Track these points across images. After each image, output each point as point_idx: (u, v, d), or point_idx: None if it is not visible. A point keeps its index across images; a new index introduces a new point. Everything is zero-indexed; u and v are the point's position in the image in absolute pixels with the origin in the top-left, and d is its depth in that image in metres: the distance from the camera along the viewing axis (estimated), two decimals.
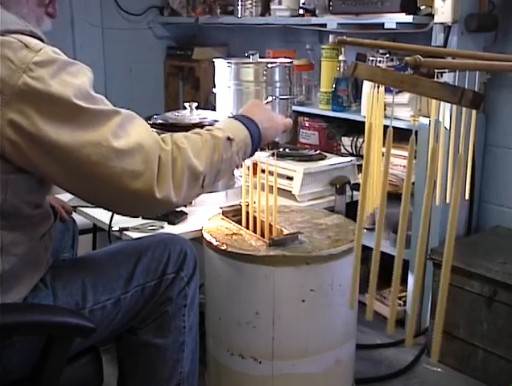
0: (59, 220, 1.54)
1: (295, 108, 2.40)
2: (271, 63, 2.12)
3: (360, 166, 1.96)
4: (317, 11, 2.58)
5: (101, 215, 1.67)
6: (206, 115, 1.86)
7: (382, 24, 2.24)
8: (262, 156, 1.62)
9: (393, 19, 2.21)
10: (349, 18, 2.40)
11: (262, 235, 1.59)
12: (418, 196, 2.16)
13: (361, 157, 1.20)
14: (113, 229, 1.61)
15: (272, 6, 2.80)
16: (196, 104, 1.86)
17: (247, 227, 1.65)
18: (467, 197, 1.36)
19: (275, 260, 1.49)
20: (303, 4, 2.62)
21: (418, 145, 2.13)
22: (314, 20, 2.58)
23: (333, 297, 1.55)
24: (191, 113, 1.85)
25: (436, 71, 1.18)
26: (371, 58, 2.34)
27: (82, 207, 1.72)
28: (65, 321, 1.14)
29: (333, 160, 2.03)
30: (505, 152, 2.28)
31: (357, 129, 2.47)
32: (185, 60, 3.45)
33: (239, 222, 1.68)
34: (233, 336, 1.59)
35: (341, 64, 2.51)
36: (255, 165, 1.57)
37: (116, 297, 1.29)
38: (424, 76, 0.89)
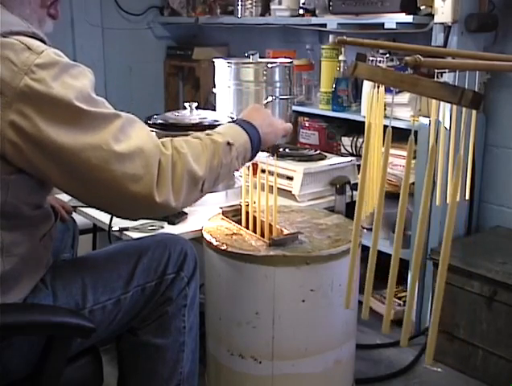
0: (59, 220, 1.54)
1: (295, 108, 2.40)
2: (271, 63, 2.12)
3: (360, 166, 1.96)
4: (317, 11, 2.58)
5: (101, 215, 1.67)
6: (206, 115, 1.86)
7: (382, 24, 2.24)
8: (262, 156, 1.62)
9: (393, 19, 2.21)
10: (349, 18, 2.40)
11: (262, 235, 1.59)
12: (417, 196, 2.16)
13: (361, 157, 1.20)
14: (113, 229, 1.61)
15: (272, 6, 2.80)
16: (196, 104, 1.86)
17: (247, 227, 1.65)
18: (467, 197, 1.36)
19: (275, 260, 1.49)
20: (303, 4, 2.62)
21: (418, 145, 2.13)
22: (314, 20, 2.57)
23: (333, 297, 1.55)
24: (191, 113, 1.85)
25: (436, 71, 1.18)
26: (371, 58, 2.34)
27: (82, 207, 1.72)
28: (65, 321, 1.14)
29: (333, 160, 2.03)
30: (505, 152, 2.28)
31: (357, 129, 2.47)
32: (185, 60, 3.45)
33: (239, 222, 1.68)
34: (233, 336, 1.59)
35: (341, 64, 2.51)
36: (255, 165, 1.57)
37: (116, 298, 1.29)
38: (424, 76, 0.89)
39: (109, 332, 1.33)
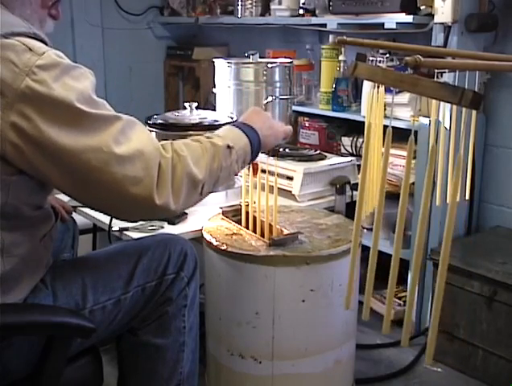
0: (59, 221, 1.54)
1: (295, 108, 2.40)
2: (271, 63, 2.12)
3: (360, 166, 1.96)
4: (317, 11, 2.58)
5: (101, 215, 1.66)
6: (206, 115, 1.86)
7: (382, 24, 2.24)
8: (262, 156, 1.62)
9: (393, 19, 2.20)
10: (349, 18, 2.40)
11: (262, 235, 1.59)
12: (418, 196, 2.16)
13: (361, 157, 1.20)
14: (113, 229, 1.61)
15: (272, 6, 2.80)
16: (196, 104, 1.86)
17: (247, 227, 1.65)
18: (467, 197, 1.36)
19: (275, 260, 1.49)
20: (303, 4, 2.62)
21: (418, 145, 2.13)
22: (314, 20, 2.57)
23: (333, 297, 1.55)
24: (191, 113, 1.85)
25: (436, 71, 1.18)
26: (371, 58, 2.34)
27: (82, 207, 1.72)
28: (65, 321, 1.14)
29: (333, 160, 2.03)
30: (505, 152, 2.28)
31: (357, 129, 2.47)
32: (185, 60, 3.45)
33: (239, 222, 1.68)
34: (233, 336, 1.59)
35: (341, 64, 2.51)
36: (255, 165, 1.57)
37: (116, 298, 1.29)
38: (424, 76, 0.89)
39: (109, 332, 1.33)
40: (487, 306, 1.97)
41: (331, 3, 2.45)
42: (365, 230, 2.21)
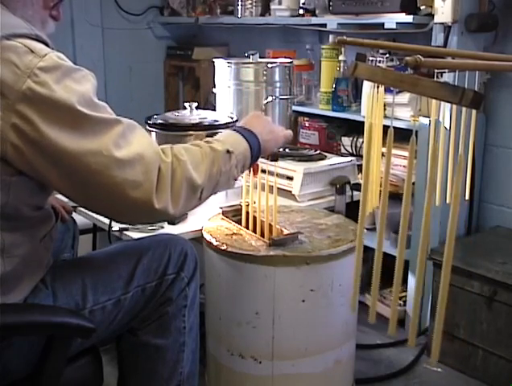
0: (59, 221, 1.54)
1: (295, 108, 2.40)
2: (271, 63, 2.12)
3: (360, 166, 1.96)
4: (317, 11, 2.58)
5: None
6: (206, 115, 1.86)
7: (382, 24, 2.24)
8: (262, 161, 1.62)
9: (393, 19, 2.21)
10: (349, 18, 2.40)
11: (262, 235, 1.59)
12: (418, 196, 2.16)
13: (361, 157, 1.20)
14: (113, 229, 1.61)
15: (272, 6, 2.80)
16: (196, 104, 1.86)
17: (247, 227, 1.65)
18: (467, 197, 1.36)
19: (275, 260, 1.49)
20: (303, 4, 2.62)
21: (418, 145, 2.13)
22: (314, 20, 2.58)
23: (333, 297, 1.55)
24: (191, 113, 1.85)
25: (436, 71, 1.18)
26: (371, 58, 2.34)
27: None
28: (65, 321, 1.14)
29: (333, 160, 2.03)
30: (505, 152, 2.28)
31: (357, 129, 2.47)
32: (185, 60, 3.45)
33: (239, 222, 1.68)
34: (233, 336, 1.59)
35: (341, 64, 2.51)
36: (255, 165, 1.57)
37: (116, 298, 1.29)
38: (424, 76, 0.89)
39: (109, 332, 1.33)
40: (487, 306, 1.97)
41: (331, 3, 2.45)
42: (365, 230, 2.21)
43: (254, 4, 2.88)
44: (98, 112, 1.07)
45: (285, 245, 1.53)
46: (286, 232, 1.58)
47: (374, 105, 1.22)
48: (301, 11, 2.64)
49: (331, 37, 2.56)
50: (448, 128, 1.35)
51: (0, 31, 1.02)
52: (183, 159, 1.15)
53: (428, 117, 2.04)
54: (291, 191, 1.91)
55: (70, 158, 1.04)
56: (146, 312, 1.35)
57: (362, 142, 2.44)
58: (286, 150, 2.06)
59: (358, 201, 1.17)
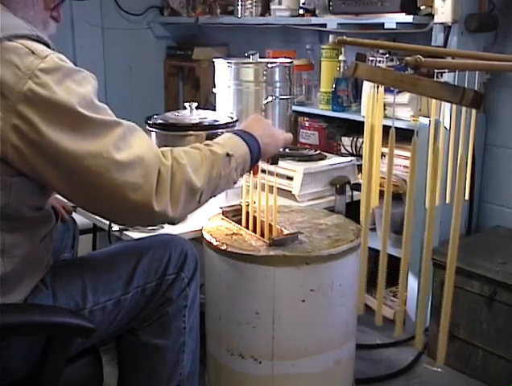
0: (60, 221, 1.54)
1: (295, 108, 2.40)
2: (271, 63, 2.12)
3: (360, 166, 1.96)
4: (317, 11, 2.58)
5: None
6: (206, 115, 1.86)
7: (382, 24, 2.24)
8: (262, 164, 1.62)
9: (393, 19, 2.21)
10: (349, 18, 2.40)
11: (262, 235, 1.59)
12: (417, 196, 2.16)
13: (361, 157, 1.19)
14: (113, 229, 1.60)
15: (272, 6, 2.80)
16: (196, 104, 1.86)
17: (247, 227, 1.65)
18: (467, 197, 1.36)
19: (275, 260, 1.49)
20: (303, 4, 2.62)
21: (418, 145, 2.13)
22: (314, 20, 2.58)
23: (333, 297, 1.55)
24: (191, 113, 1.85)
25: (436, 71, 1.18)
26: (371, 58, 2.34)
27: None
28: (65, 321, 1.14)
29: (333, 160, 2.03)
30: (505, 152, 2.28)
31: (357, 129, 2.47)
32: (185, 60, 3.45)
33: (239, 222, 1.68)
34: (233, 336, 1.59)
35: (341, 64, 2.51)
36: (255, 166, 1.57)
37: (116, 298, 1.29)
38: (424, 76, 0.89)
39: (109, 332, 1.33)
40: (487, 306, 1.97)
41: (331, 3, 2.45)
42: None
43: (254, 4, 2.88)
44: (99, 114, 1.07)
45: (285, 245, 1.53)
46: (286, 231, 1.58)
47: (374, 105, 1.22)
48: (301, 11, 2.64)
49: (331, 37, 2.56)
50: (448, 128, 1.35)
51: (1, 32, 1.02)
52: (182, 162, 1.15)
53: (428, 117, 2.04)
54: (291, 191, 1.91)
55: (70, 160, 1.04)
56: (146, 312, 1.35)
57: (362, 142, 2.44)
58: (287, 150, 2.06)
59: (358, 201, 1.17)
